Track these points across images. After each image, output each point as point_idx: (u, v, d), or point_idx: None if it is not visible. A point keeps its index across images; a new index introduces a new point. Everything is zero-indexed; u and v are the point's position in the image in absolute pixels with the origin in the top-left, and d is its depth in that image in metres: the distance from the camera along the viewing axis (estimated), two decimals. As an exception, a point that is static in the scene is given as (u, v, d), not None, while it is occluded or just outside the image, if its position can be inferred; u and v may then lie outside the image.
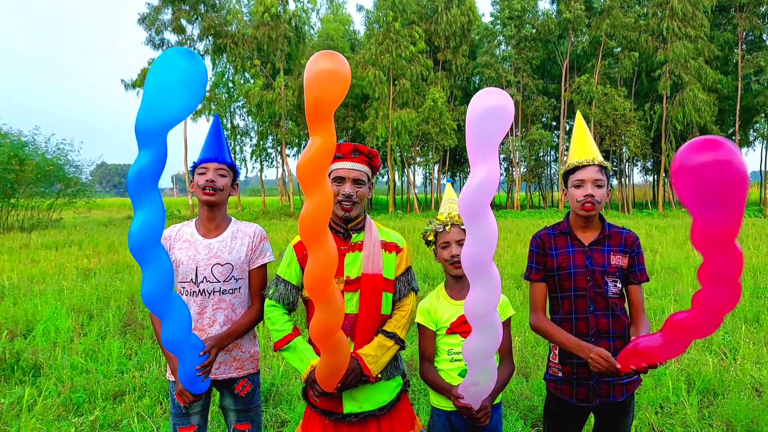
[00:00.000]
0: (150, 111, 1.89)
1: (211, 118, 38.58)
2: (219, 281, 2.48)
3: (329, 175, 2.30)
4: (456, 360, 2.34)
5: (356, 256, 2.30)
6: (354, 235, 2.34)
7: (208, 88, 38.17)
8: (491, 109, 1.82)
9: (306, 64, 1.82)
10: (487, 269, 1.88)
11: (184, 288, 2.49)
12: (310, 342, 2.32)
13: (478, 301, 1.92)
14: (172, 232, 2.57)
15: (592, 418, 2.56)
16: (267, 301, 2.39)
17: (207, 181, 2.47)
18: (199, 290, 2.47)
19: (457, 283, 2.41)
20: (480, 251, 1.85)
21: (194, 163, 2.55)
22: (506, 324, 2.39)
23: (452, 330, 2.36)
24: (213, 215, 2.55)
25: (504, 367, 2.38)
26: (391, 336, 2.29)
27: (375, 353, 2.23)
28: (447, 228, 2.37)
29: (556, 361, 2.42)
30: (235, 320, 2.51)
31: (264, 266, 2.62)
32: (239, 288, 2.53)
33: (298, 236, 2.39)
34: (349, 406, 2.25)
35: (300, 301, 2.42)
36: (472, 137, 1.83)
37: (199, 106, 36.39)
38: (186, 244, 2.52)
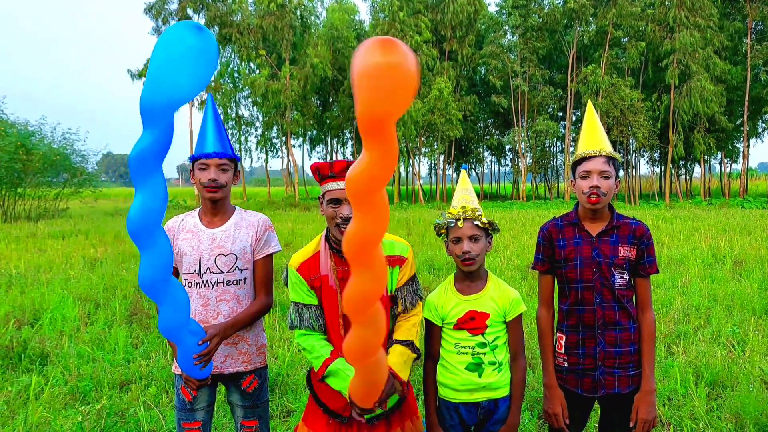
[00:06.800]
0: (155, 88, 1.75)
1: (218, 109, 38.54)
2: (223, 272, 2.43)
3: (323, 196, 2.17)
4: (462, 353, 2.31)
5: None
6: None
7: (214, 77, 38.14)
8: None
9: (353, 55, 1.29)
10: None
11: (187, 280, 2.45)
12: None
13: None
14: (176, 222, 2.53)
15: (597, 412, 2.54)
16: (297, 332, 2.27)
17: (209, 180, 2.40)
18: (203, 282, 2.42)
19: (467, 279, 2.37)
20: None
21: (193, 155, 2.46)
22: (518, 320, 2.35)
23: (459, 326, 2.33)
24: (217, 207, 2.51)
25: (518, 366, 2.35)
26: (408, 344, 2.21)
27: (400, 362, 2.15)
28: (459, 223, 2.27)
29: (562, 351, 2.39)
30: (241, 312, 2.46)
31: (270, 256, 2.56)
32: (244, 279, 2.48)
33: (295, 258, 2.25)
34: None
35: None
36: None
37: (205, 95, 36.48)
38: (189, 234, 2.48)
